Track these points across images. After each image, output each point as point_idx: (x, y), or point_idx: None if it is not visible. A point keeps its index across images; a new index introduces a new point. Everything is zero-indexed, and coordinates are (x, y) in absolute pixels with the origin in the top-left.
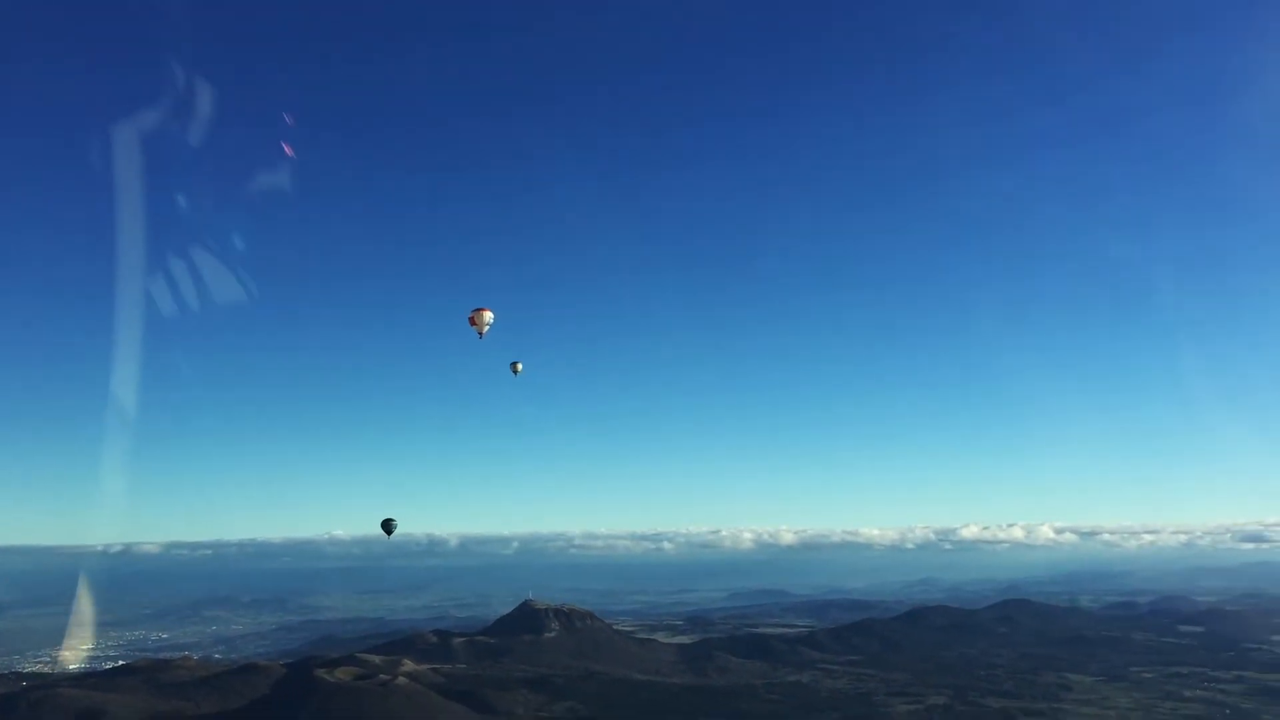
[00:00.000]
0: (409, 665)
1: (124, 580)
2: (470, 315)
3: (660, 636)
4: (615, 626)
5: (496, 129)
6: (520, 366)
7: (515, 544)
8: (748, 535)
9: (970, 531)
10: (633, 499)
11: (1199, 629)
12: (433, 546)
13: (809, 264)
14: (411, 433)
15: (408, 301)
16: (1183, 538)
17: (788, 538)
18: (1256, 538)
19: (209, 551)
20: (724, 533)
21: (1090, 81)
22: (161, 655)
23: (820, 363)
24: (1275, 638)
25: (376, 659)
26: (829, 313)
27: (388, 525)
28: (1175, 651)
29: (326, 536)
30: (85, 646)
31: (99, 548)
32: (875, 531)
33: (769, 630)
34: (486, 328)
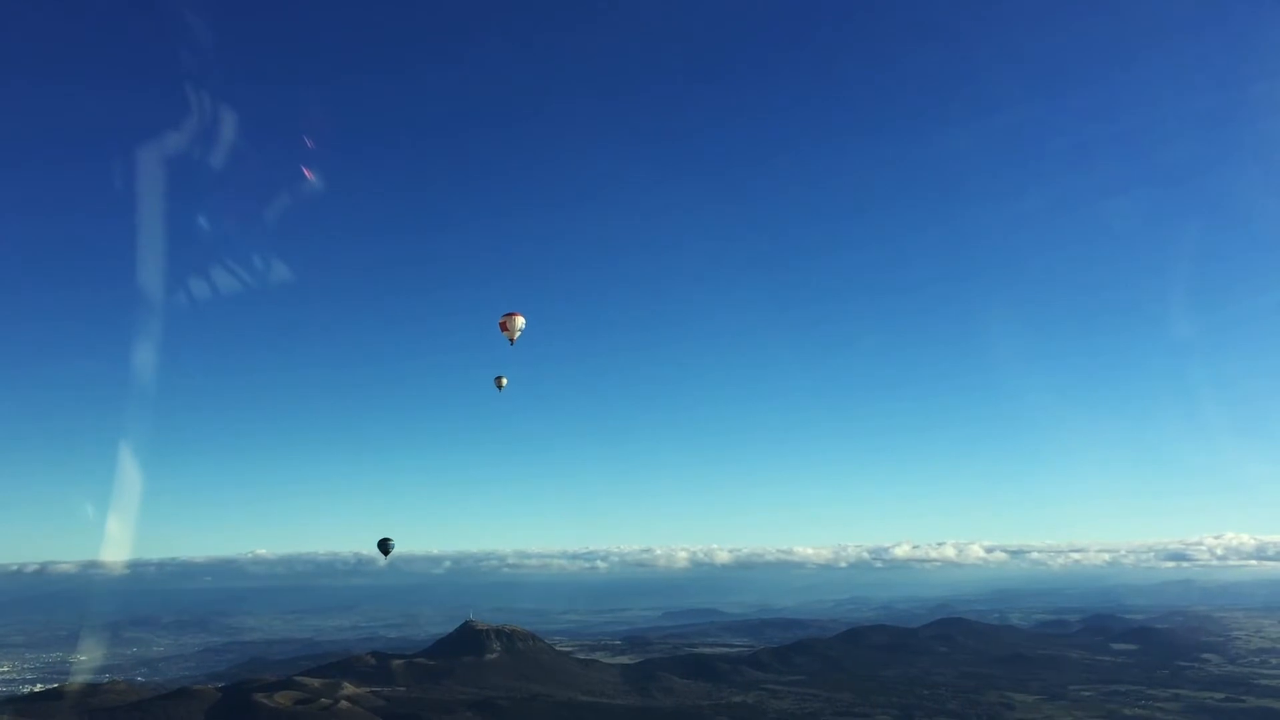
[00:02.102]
0: (349, 688)
1: (39, 601)
2: (501, 320)
3: (600, 657)
4: (556, 647)
5: (491, 143)
6: (505, 381)
7: (447, 563)
8: (682, 554)
9: (903, 550)
10: (566, 518)
11: (1132, 647)
12: (360, 565)
13: (741, 287)
14: (338, 450)
15: (330, 322)
16: (1107, 556)
17: (723, 557)
18: (1178, 556)
19: (127, 571)
20: (658, 551)
21: (1102, 96)
22: (82, 678)
23: (754, 383)
24: (1206, 655)
25: (315, 682)
26: (761, 335)
27: (384, 545)
28: (1111, 669)
29: (249, 555)
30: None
31: (13, 567)
32: (810, 550)
33: (709, 650)
34: (518, 333)
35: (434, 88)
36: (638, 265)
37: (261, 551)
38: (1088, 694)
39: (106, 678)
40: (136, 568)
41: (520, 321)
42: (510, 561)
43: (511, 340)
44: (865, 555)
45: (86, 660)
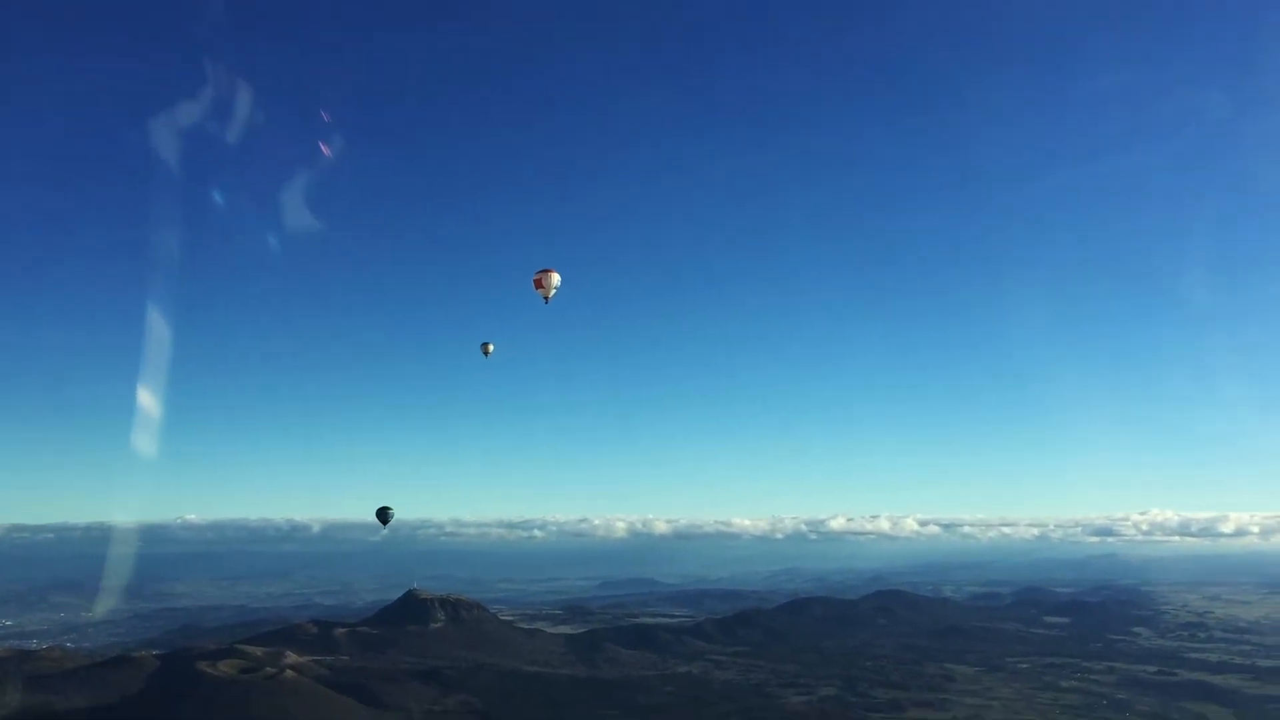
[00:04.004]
0: (292, 657)
1: None
2: (536, 277)
3: (542, 626)
4: (500, 616)
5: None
6: (491, 348)
7: (384, 531)
8: (620, 524)
9: (838, 523)
10: (504, 487)
11: (1064, 620)
12: (293, 532)
13: (684, 265)
14: (271, 415)
15: (269, 288)
16: (1035, 531)
17: (661, 527)
18: (1104, 531)
19: (51, 535)
20: (596, 521)
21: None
22: (8, 643)
23: (693, 356)
24: (1136, 629)
25: (258, 651)
26: (701, 309)
27: (383, 514)
28: (1045, 642)
29: (179, 521)
30: None
31: None
32: (747, 522)
33: (651, 620)
34: (554, 291)
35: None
36: (582, 240)
37: (191, 517)
38: (1024, 666)
39: (34, 643)
40: (61, 532)
41: (556, 279)
42: (447, 530)
43: (546, 298)
44: (801, 527)
45: (11, 625)
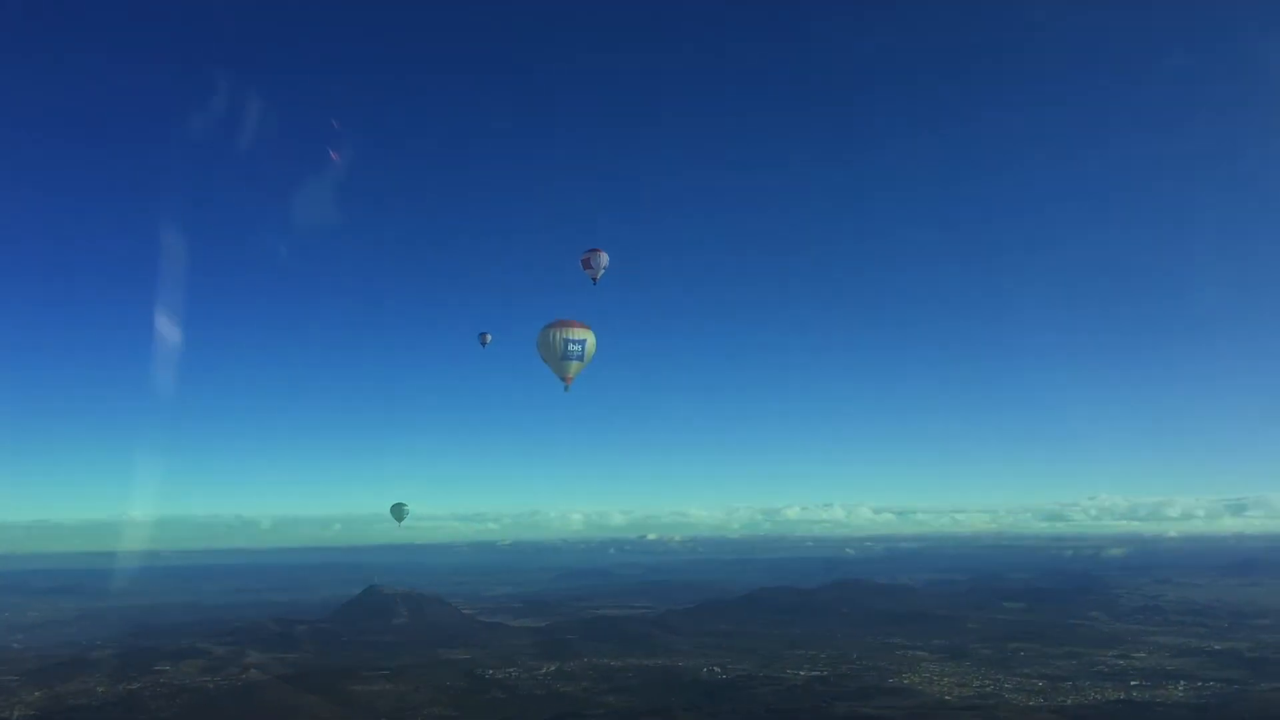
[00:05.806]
0: (255, 655)
1: None
2: (584, 257)
3: (504, 620)
4: (462, 611)
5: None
6: (489, 338)
7: (337, 526)
8: (576, 516)
9: (793, 512)
10: (458, 480)
11: (1021, 605)
12: (242, 527)
13: (636, 254)
14: (220, 412)
15: (217, 288)
16: (987, 517)
17: (617, 519)
18: (1055, 516)
19: None
20: (552, 514)
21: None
22: None
23: (646, 348)
24: (1093, 613)
25: (219, 650)
26: (654, 301)
27: (398, 510)
28: (1006, 628)
29: (124, 518)
30: None
31: None
32: (703, 512)
33: (613, 612)
34: (602, 272)
35: None
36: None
37: (136, 514)
38: (988, 652)
39: None
40: (2, 530)
41: (604, 258)
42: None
43: (595, 279)
44: (757, 517)
45: None
